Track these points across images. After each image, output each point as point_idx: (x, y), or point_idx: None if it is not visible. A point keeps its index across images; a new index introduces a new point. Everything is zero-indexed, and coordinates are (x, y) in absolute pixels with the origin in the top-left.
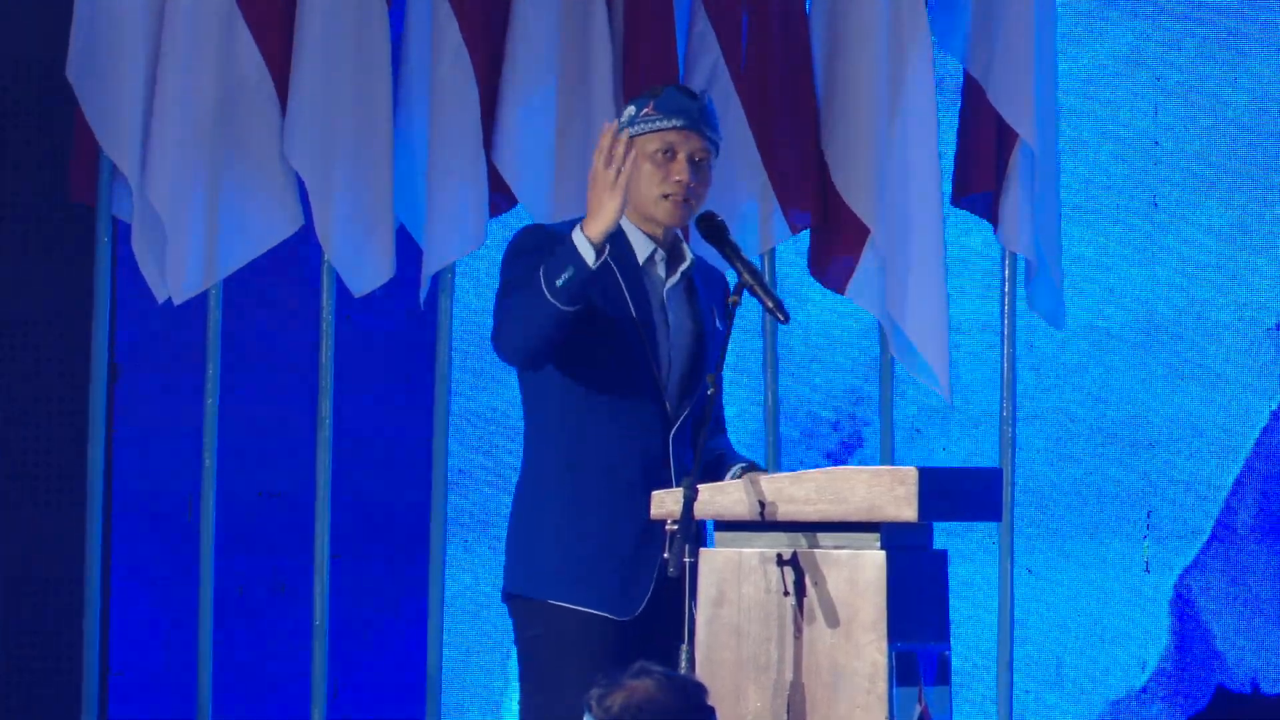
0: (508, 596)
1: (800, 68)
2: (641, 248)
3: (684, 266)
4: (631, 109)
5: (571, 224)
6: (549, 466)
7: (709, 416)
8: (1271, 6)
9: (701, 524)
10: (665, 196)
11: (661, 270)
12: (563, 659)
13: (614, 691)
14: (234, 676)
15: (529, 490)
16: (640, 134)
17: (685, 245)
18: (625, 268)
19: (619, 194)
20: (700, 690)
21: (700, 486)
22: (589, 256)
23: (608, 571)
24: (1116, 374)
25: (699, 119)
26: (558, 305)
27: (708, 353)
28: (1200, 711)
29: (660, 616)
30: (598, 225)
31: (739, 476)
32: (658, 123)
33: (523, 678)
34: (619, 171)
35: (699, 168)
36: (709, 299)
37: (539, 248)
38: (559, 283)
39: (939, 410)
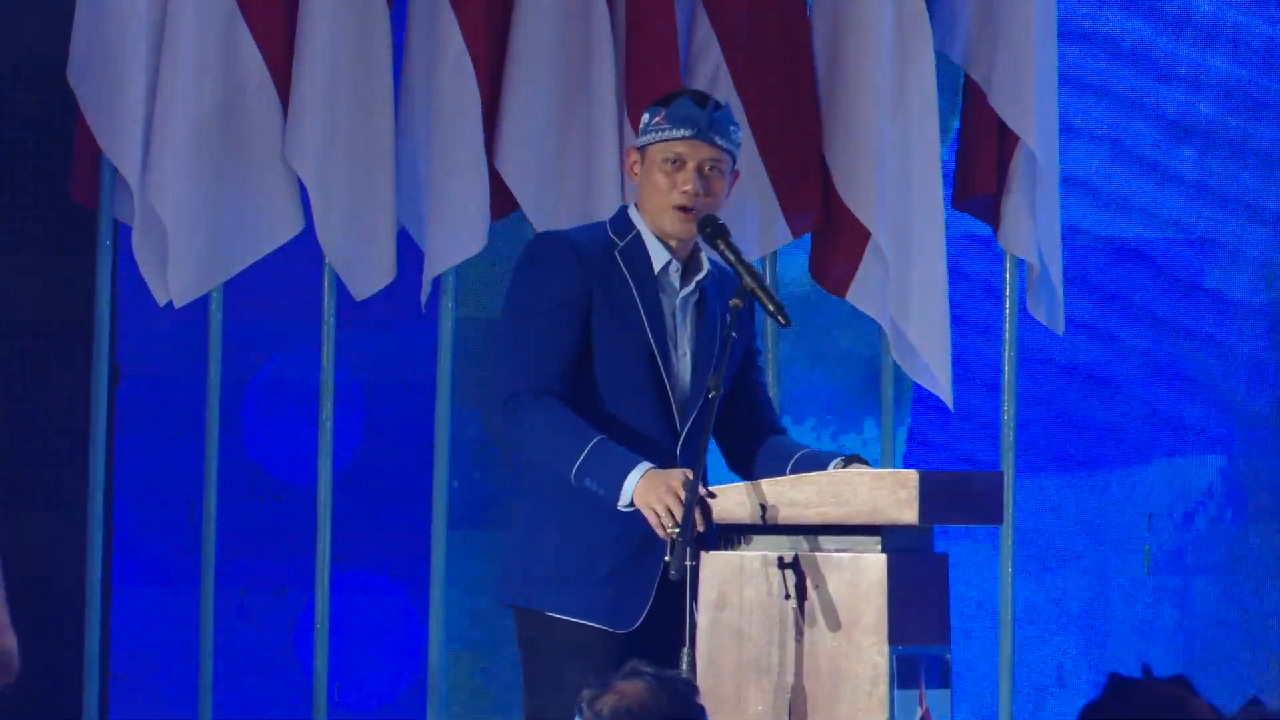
0: (508, 606)
1: (801, 71)
2: (658, 258)
3: (699, 277)
4: (646, 117)
5: (589, 229)
6: (551, 478)
7: (710, 420)
8: None
9: (713, 527)
10: (673, 207)
11: (676, 281)
12: (561, 665)
13: (604, 694)
14: (235, 679)
15: (531, 501)
16: (651, 144)
17: (703, 255)
18: (640, 279)
19: (661, 523)
20: (691, 689)
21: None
22: (621, 502)
23: (605, 584)
24: (1117, 376)
25: (708, 128)
26: (566, 479)
27: (717, 363)
28: (1095, 700)
29: (662, 629)
30: (636, 505)
31: (842, 468)
32: (666, 133)
33: (525, 681)
34: (675, 525)
35: (708, 178)
36: (724, 307)
37: (553, 259)
38: (585, 482)
39: (940, 413)
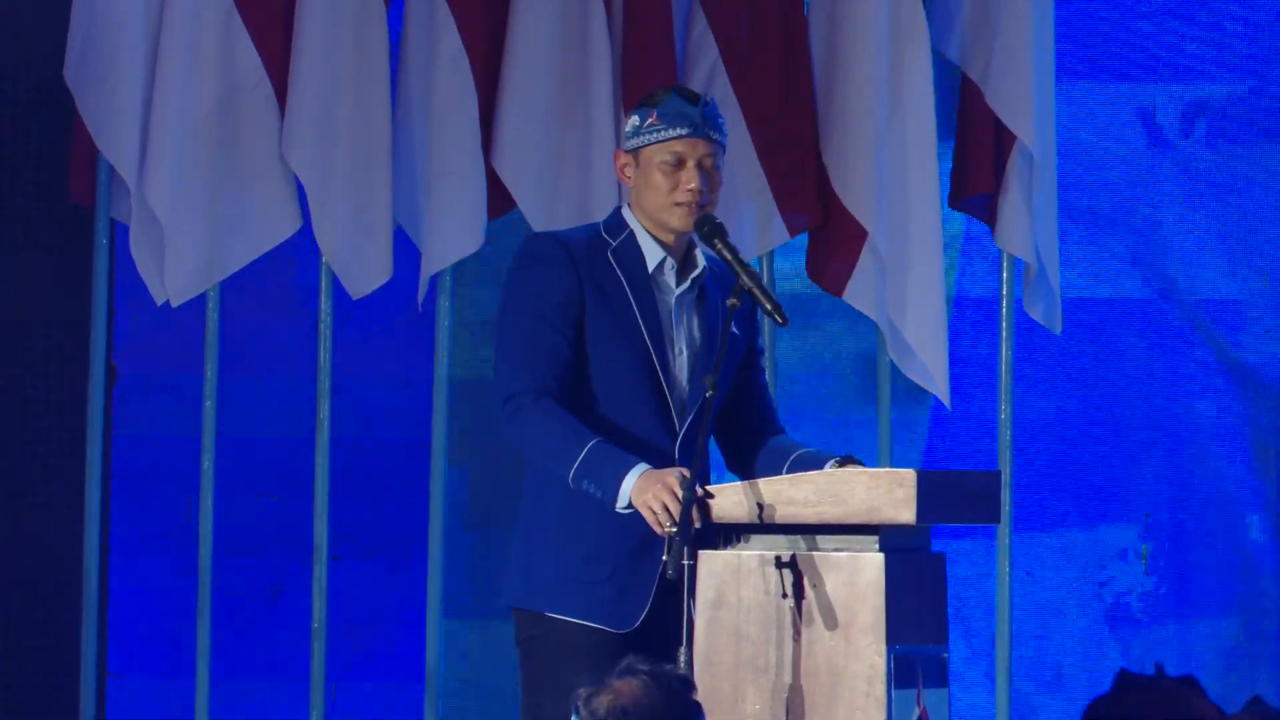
0: (510, 608)
1: (799, 70)
2: (652, 256)
3: (695, 274)
4: (635, 119)
5: (583, 230)
6: (553, 479)
7: (707, 419)
8: None
9: (712, 526)
10: (677, 204)
11: (671, 279)
12: (560, 665)
13: (600, 693)
14: (232, 678)
15: (532, 503)
16: (646, 145)
17: (698, 252)
18: (634, 278)
19: (658, 521)
20: (686, 686)
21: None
22: (619, 504)
23: (606, 584)
24: (1115, 376)
25: (702, 125)
26: (565, 480)
27: (714, 362)
28: (1103, 695)
29: (662, 628)
30: (633, 505)
31: (837, 468)
32: (663, 132)
33: (522, 681)
34: (673, 524)
35: (707, 173)
36: (724, 305)
37: (546, 260)
38: (583, 485)
39: (937, 413)
